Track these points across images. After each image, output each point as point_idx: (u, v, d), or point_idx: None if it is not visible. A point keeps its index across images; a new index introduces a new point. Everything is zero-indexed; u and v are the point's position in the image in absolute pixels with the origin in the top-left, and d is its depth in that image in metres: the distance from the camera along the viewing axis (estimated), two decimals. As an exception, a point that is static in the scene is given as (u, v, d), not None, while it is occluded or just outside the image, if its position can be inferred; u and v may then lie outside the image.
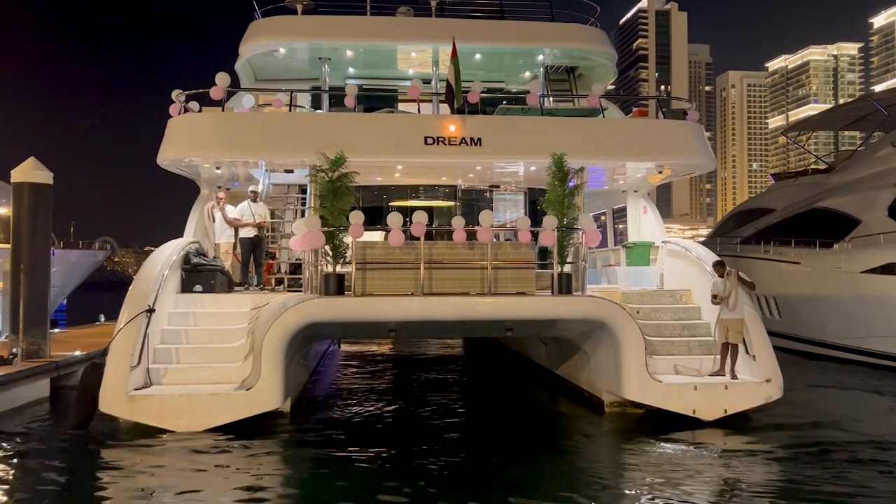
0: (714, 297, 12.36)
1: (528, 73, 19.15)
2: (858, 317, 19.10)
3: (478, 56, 17.40)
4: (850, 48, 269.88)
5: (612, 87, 20.68)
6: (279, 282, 15.78)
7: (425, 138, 13.85)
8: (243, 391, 10.88)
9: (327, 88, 17.48)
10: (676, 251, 15.39)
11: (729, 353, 12.27)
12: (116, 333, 11.22)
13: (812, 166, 29.56)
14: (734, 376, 12.11)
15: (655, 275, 16.10)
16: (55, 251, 19.27)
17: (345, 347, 22.88)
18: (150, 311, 11.57)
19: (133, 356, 10.95)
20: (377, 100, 16.86)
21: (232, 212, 15.10)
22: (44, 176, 12.73)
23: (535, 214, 15.17)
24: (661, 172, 15.70)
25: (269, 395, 10.85)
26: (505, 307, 11.66)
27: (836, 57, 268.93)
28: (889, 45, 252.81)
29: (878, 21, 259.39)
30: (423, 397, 14.09)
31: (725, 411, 11.69)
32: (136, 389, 10.84)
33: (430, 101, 16.58)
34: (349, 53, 17.42)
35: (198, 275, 13.44)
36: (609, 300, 11.92)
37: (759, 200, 31.44)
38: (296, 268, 15.91)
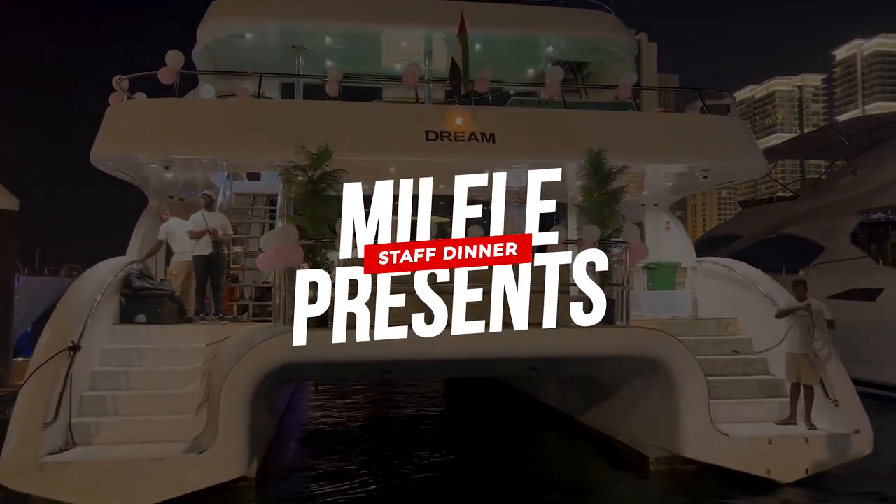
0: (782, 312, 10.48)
1: (532, 71, 16.81)
2: None
3: (477, 46, 14.94)
4: (814, 79, 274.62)
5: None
6: (243, 310, 12.93)
7: (426, 133, 11.44)
8: (195, 455, 8.25)
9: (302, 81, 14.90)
10: (715, 272, 13.21)
11: (802, 397, 9.98)
12: (26, 379, 8.51)
13: (778, 194, 30.00)
14: (811, 425, 9.81)
15: (685, 300, 13.85)
16: (20, 278, 18.06)
17: None
18: (75, 348, 8.84)
19: (48, 410, 8.22)
20: (360, 96, 14.18)
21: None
22: (10, 202, 10.79)
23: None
24: (705, 178, 13.38)
25: (229, 460, 8.26)
26: (534, 342, 8.91)
27: (800, 88, 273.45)
28: (851, 76, 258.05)
29: (841, 53, 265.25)
30: (409, 445, 11.77)
31: (807, 471, 9.35)
32: (50, 454, 8.12)
33: (423, 101, 14.11)
34: (327, 41, 14.86)
35: (141, 301, 10.74)
36: (665, 333, 9.47)
37: (726, 227, 32.01)
38: (263, 293, 13.09)
